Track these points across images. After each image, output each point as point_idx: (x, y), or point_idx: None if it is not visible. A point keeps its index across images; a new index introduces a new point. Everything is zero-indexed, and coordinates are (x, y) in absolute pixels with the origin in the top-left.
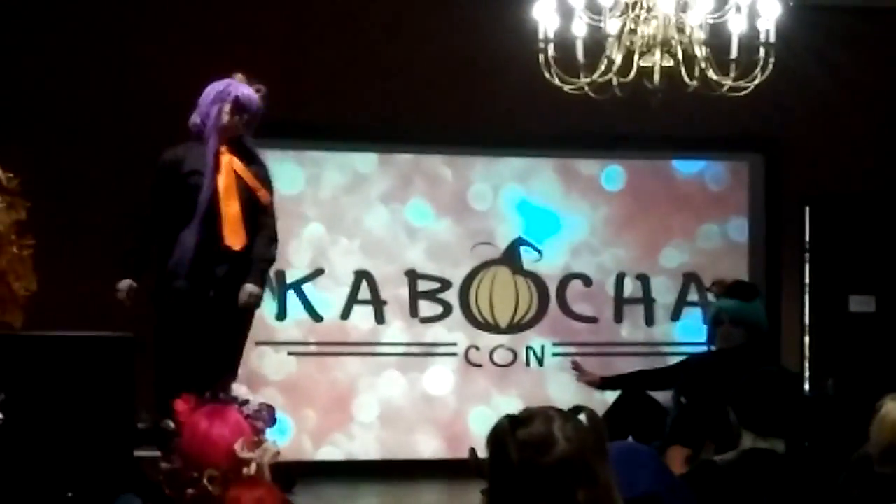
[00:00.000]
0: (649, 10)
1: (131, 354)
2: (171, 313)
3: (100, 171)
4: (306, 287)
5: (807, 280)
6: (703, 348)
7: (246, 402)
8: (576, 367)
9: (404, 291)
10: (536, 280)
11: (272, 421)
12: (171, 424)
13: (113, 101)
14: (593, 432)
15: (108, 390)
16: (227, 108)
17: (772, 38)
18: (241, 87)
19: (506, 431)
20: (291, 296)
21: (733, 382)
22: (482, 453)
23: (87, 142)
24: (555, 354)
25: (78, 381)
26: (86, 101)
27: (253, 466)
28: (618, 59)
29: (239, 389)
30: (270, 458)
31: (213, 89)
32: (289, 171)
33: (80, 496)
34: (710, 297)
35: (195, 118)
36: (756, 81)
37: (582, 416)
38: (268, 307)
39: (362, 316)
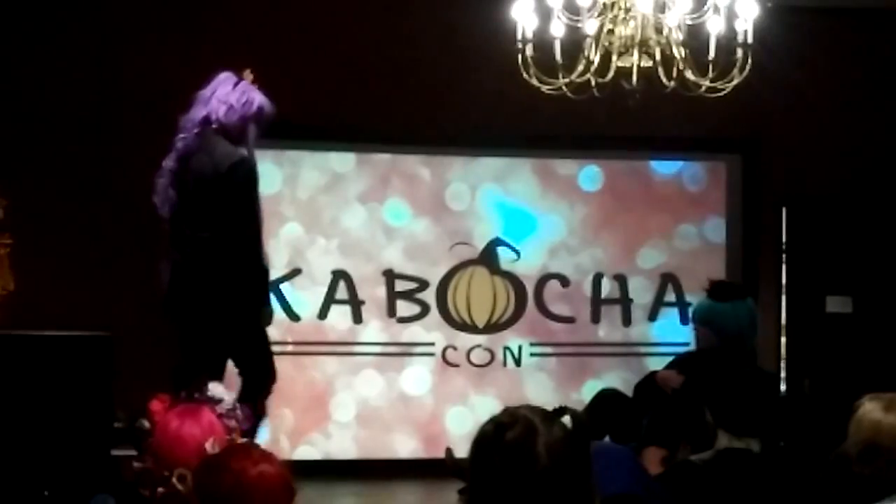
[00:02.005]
0: (627, 10)
1: (109, 353)
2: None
3: (78, 170)
4: (284, 287)
5: (784, 281)
6: (681, 348)
7: (220, 400)
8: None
9: (382, 291)
10: (514, 280)
11: (247, 421)
12: (146, 424)
13: (92, 100)
14: (577, 435)
15: (86, 389)
16: (257, 127)
17: (750, 39)
18: (268, 105)
19: (490, 438)
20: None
21: (706, 383)
22: (459, 453)
23: (66, 140)
24: (532, 355)
25: (55, 381)
26: (64, 100)
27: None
28: (596, 59)
29: (216, 389)
30: None
31: (255, 101)
32: (266, 171)
33: (57, 495)
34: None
35: (221, 115)
36: (734, 82)
37: (566, 418)
38: None
39: (340, 316)
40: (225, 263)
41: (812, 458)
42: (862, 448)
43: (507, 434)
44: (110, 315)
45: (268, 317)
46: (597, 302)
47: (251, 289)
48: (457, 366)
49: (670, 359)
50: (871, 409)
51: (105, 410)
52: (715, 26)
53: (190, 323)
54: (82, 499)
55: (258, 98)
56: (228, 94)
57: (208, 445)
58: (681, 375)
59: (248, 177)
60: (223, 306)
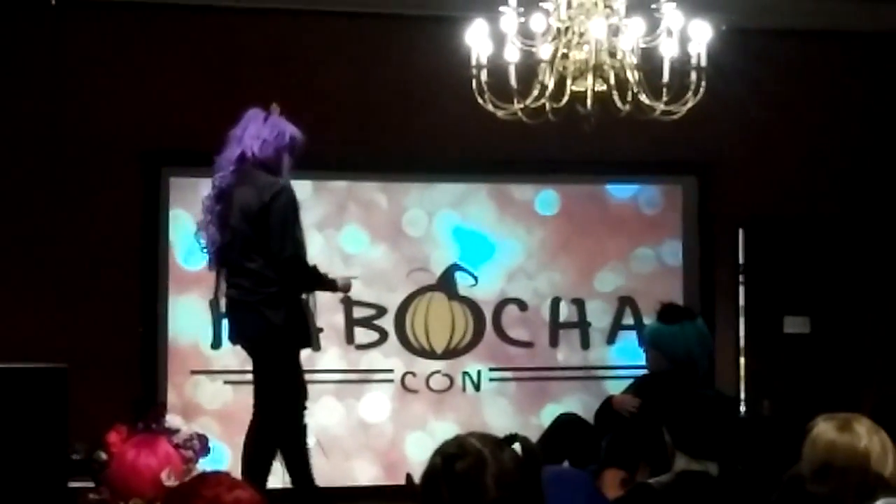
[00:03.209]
0: (581, 35)
1: (64, 385)
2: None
3: (33, 201)
4: None
5: (741, 302)
6: (640, 371)
7: (177, 431)
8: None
9: (340, 318)
10: (472, 305)
11: (204, 450)
12: (104, 455)
13: (47, 132)
14: (527, 463)
15: (41, 422)
16: (290, 157)
17: (703, 62)
18: (299, 134)
19: (439, 470)
20: (226, 324)
21: (664, 405)
22: (418, 479)
23: (21, 171)
24: (491, 380)
25: (10, 413)
26: (18, 130)
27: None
28: (550, 84)
29: (173, 420)
30: None
31: (286, 132)
32: None
33: None
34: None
35: (256, 150)
36: (688, 105)
37: (516, 446)
38: (203, 336)
39: None
40: (276, 288)
41: (770, 480)
42: (816, 468)
43: (455, 465)
44: (68, 346)
45: (317, 340)
46: (555, 326)
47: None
48: (416, 392)
49: (629, 381)
50: (824, 429)
51: (61, 442)
52: (668, 50)
53: (254, 352)
54: None
55: (288, 129)
56: (260, 130)
57: (164, 475)
58: (637, 398)
59: (289, 203)
60: (277, 330)
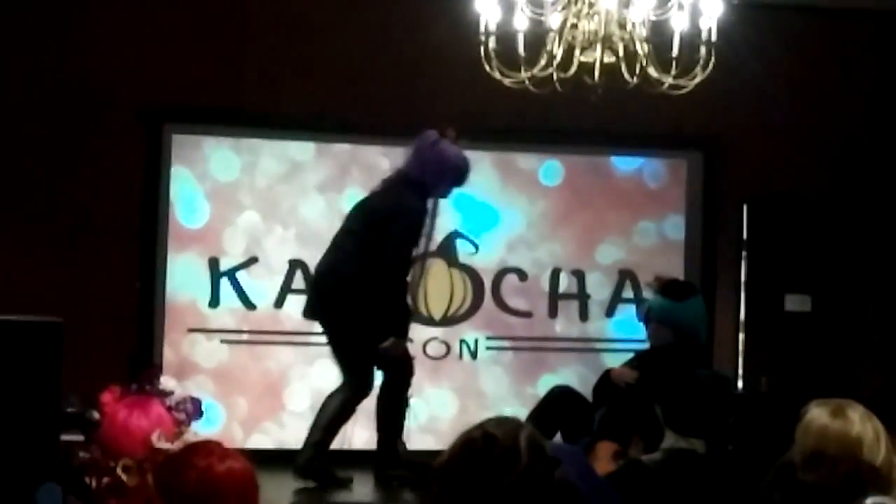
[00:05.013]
0: (591, 5)
1: (59, 339)
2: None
3: (32, 157)
4: (240, 275)
5: (743, 278)
6: (638, 345)
7: (170, 393)
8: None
9: None
10: (472, 273)
11: (197, 413)
12: (96, 415)
13: (46, 87)
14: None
15: (36, 375)
16: (451, 183)
17: (713, 37)
18: (463, 162)
19: (477, 439)
20: (225, 283)
21: (659, 381)
22: (413, 445)
23: (19, 127)
24: (489, 348)
25: (5, 365)
26: (18, 87)
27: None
28: (559, 53)
29: (167, 382)
30: None
31: (450, 163)
32: (225, 159)
33: (3, 482)
34: (648, 292)
35: (417, 171)
36: (696, 80)
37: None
38: (201, 294)
39: (296, 305)
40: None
41: (761, 461)
42: (807, 455)
43: (494, 431)
44: (66, 300)
45: (392, 348)
46: (554, 297)
47: (385, 317)
48: (412, 358)
49: (626, 354)
50: (817, 415)
51: (54, 396)
52: (679, 23)
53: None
54: (29, 484)
55: (452, 157)
56: (425, 151)
57: (154, 437)
58: (636, 372)
59: (409, 224)
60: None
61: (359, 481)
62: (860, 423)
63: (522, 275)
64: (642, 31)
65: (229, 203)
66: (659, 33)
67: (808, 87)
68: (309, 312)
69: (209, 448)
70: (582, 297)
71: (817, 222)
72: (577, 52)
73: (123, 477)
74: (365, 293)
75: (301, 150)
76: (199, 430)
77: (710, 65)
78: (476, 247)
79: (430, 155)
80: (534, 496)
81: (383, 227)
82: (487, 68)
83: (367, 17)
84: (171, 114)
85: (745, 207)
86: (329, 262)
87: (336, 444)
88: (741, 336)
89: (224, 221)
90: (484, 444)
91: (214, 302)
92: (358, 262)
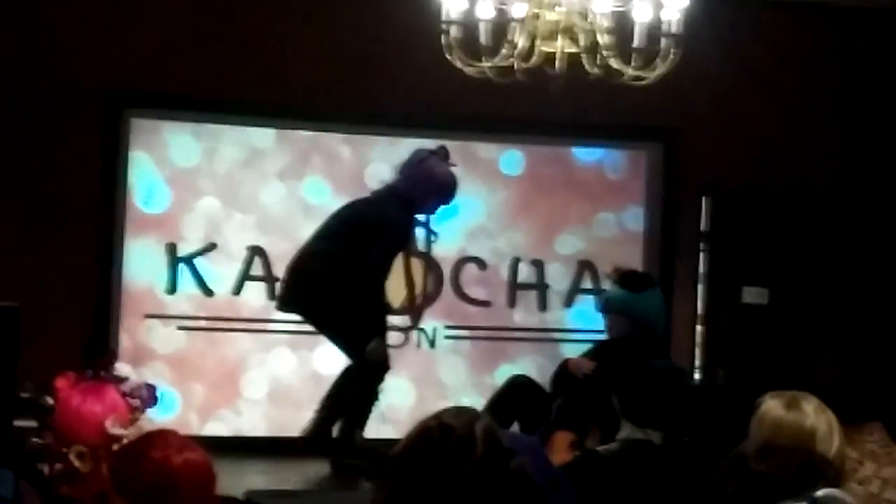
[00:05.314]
0: None
1: (16, 324)
2: None
3: None
4: (198, 261)
5: (701, 270)
6: (596, 335)
7: (125, 379)
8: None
9: None
10: (431, 262)
11: (152, 400)
12: (50, 401)
13: (7, 77)
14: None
15: None
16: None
17: (676, 29)
18: (451, 180)
19: (432, 428)
20: (183, 269)
21: (616, 372)
22: (368, 434)
23: None
24: (447, 337)
25: None
26: None
27: (124, 443)
28: (521, 43)
29: (123, 368)
30: None
31: (437, 181)
32: (185, 144)
33: None
34: (607, 283)
35: (404, 186)
36: (658, 71)
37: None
38: (159, 280)
39: (254, 292)
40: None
41: (717, 452)
42: (761, 446)
43: (450, 421)
44: (22, 284)
45: (376, 351)
46: (513, 286)
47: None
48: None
49: (585, 345)
50: (771, 406)
51: (9, 381)
52: (641, 14)
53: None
54: None
55: (440, 174)
56: (414, 168)
57: (109, 423)
58: (593, 362)
59: (394, 237)
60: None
61: (315, 469)
62: (814, 415)
63: (482, 264)
64: (604, 22)
65: (189, 189)
66: (621, 24)
67: (770, 80)
68: (282, 305)
69: (166, 439)
70: (541, 287)
71: (776, 215)
72: (538, 42)
73: (76, 463)
74: (339, 295)
75: (261, 137)
76: (155, 417)
77: (672, 57)
78: (435, 235)
79: (418, 172)
80: (489, 486)
81: (367, 233)
82: (449, 57)
83: (330, 3)
84: (131, 98)
85: (704, 200)
86: (304, 261)
87: (290, 432)
88: (699, 328)
89: (183, 207)
90: (440, 433)
91: (172, 288)
92: (335, 263)
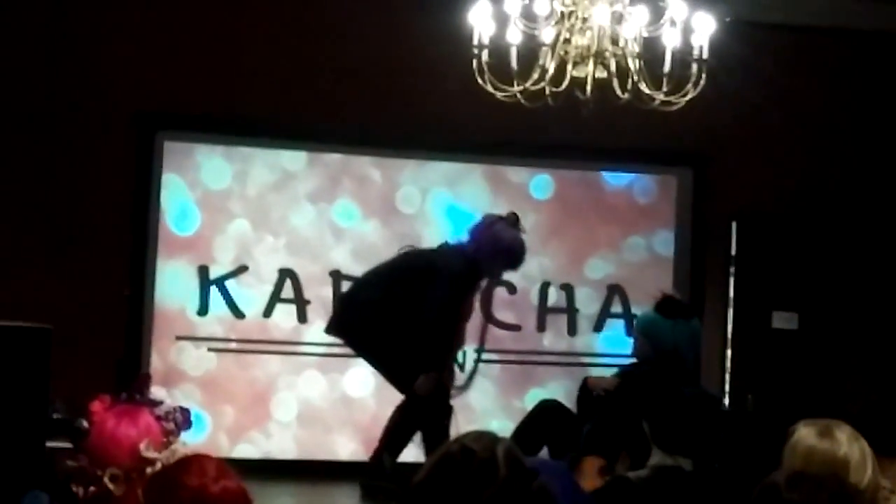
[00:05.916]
0: (584, 20)
1: (48, 346)
2: None
3: (24, 162)
4: (229, 283)
5: (731, 295)
6: (625, 360)
7: (160, 403)
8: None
9: (328, 291)
10: None
11: (186, 424)
12: (85, 424)
13: (41, 90)
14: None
15: (24, 381)
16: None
17: (705, 54)
18: (517, 245)
19: (454, 452)
20: (214, 292)
21: (639, 396)
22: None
23: (12, 131)
24: (476, 361)
25: None
26: (12, 89)
27: (158, 467)
28: (551, 68)
29: (157, 392)
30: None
31: (503, 245)
32: (216, 167)
33: None
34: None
35: (471, 249)
36: (688, 97)
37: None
38: (190, 302)
39: (285, 315)
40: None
41: (747, 479)
42: (792, 474)
43: (472, 444)
44: (55, 306)
45: (423, 386)
46: (543, 311)
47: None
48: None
49: (614, 369)
50: (804, 436)
51: (42, 402)
52: (671, 40)
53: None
54: (15, 491)
55: (507, 239)
56: (481, 232)
57: (143, 447)
58: (614, 379)
59: (454, 287)
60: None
61: (343, 493)
62: (847, 444)
63: (512, 288)
64: (634, 47)
65: (220, 211)
66: (651, 50)
67: (799, 105)
68: (333, 330)
69: (203, 466)
70: (571, 311)
71: (805, 240)
72: (569, 66)
73: (110, 486)
74: (390, 328)
75: (292, 160)
76: (186, 440)
77: (702, 82)
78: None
79: (485, 236)
80: None
81: (428, 275)
82: (480, 81)
83: (362, 28)
84: (164, 121)
85: (733, 224)
86: (361, 289)
87: (320, 455)
88: (728, 353)
89: (214, 229)
90: (462, 457)
91: (203, 310)
92: (390, 297)
